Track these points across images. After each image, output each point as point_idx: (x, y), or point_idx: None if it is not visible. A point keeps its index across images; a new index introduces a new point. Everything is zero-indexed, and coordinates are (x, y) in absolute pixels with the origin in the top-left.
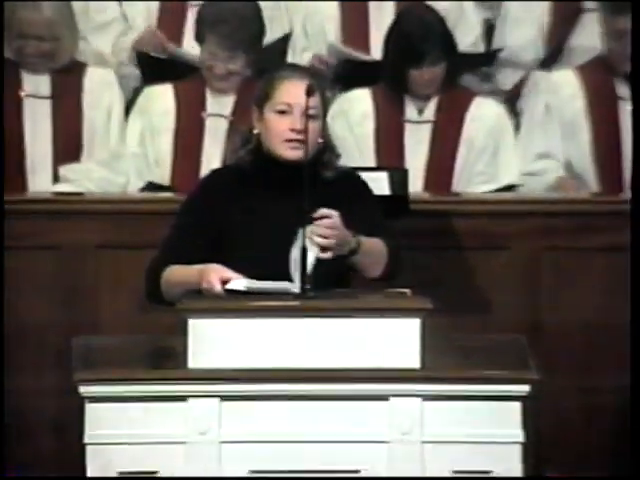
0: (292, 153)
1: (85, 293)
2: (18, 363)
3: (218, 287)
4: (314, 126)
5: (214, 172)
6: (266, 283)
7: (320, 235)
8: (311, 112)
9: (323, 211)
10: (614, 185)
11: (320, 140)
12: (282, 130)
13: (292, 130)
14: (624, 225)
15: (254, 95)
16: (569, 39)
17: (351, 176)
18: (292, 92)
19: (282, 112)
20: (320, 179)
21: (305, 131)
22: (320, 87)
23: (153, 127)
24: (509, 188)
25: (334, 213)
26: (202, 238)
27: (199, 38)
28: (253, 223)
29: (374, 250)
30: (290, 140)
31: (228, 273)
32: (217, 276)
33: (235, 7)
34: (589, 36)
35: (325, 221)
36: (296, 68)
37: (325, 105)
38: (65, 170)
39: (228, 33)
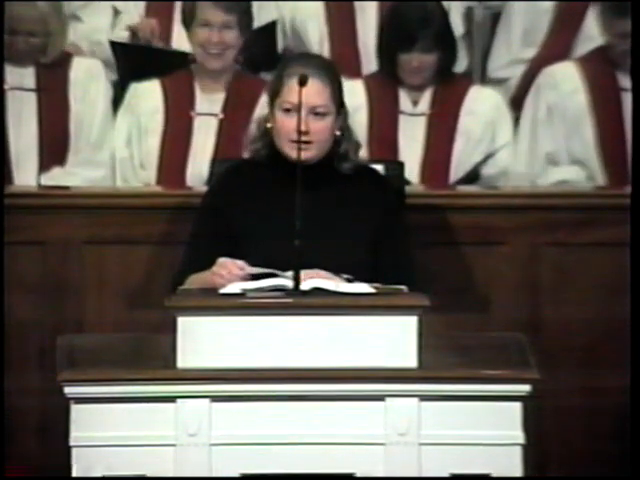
0: (299, 154)
1: (70, 290)
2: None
3: (236, 271)
4: (323, 124)
5: (228, 169)
6: (262, 282)
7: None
8: (319, 110)
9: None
10: (620, 179)
11: (337, 133)
12: (288, 130)
13: (297, 131)
14: (627, 219)
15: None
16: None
17: (374, 175)
18: (299, 90)
19: (288, 110)
20: (338, 173)
21: (301, 130)
22: (333, 80)
23: (140, 127)
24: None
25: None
26: (219, 244)
27: (186, 22)
28: (267, 221)
29: None
30: (296, 141)
31: (239, 263)
32: (231, 265)
33: None
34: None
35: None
36: (308, 61)
37: (340, 97)
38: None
39: None
